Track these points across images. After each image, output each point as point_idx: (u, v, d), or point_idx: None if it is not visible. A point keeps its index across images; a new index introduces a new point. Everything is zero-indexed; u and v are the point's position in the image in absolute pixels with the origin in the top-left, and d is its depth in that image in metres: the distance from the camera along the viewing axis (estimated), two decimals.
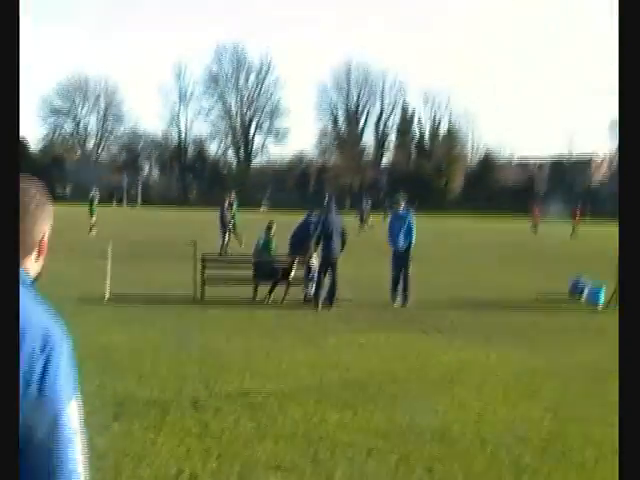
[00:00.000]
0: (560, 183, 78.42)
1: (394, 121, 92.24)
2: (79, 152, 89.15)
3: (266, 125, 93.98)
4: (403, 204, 13.64)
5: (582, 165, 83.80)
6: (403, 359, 8.76)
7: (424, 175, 79.25)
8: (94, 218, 30.62)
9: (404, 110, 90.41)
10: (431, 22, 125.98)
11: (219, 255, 19.25)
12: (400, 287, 13.03)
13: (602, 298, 13.43)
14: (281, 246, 14.14)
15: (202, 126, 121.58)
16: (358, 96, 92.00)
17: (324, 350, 9.13)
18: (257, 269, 13.19)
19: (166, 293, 13.39)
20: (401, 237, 13.14)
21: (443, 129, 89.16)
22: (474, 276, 17.97)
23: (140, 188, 77.65)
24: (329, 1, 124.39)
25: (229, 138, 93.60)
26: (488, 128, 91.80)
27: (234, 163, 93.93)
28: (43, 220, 1.68)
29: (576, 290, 14.99)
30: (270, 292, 13.04)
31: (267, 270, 13.12)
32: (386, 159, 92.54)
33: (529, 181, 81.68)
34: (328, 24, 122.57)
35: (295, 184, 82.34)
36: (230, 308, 12.21)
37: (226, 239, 21.49)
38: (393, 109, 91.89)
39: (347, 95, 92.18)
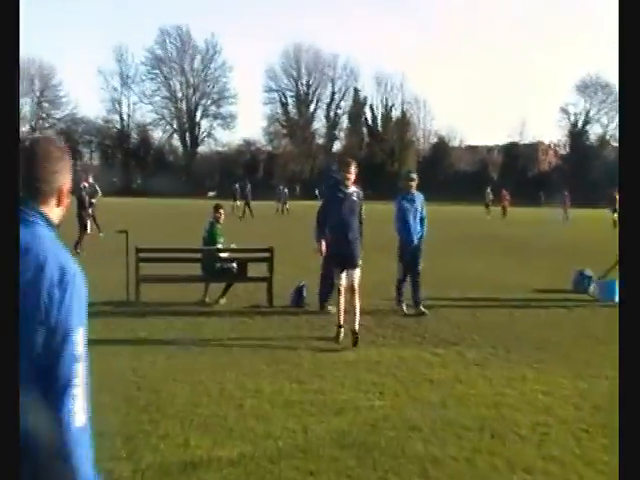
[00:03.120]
0: (513, 168, 77.33)
1: (345, 106, 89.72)
2: None
3: (213, 110, 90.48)
4: (416, 182, 10.51)
5: (532, 149, 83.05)
6: (414, 391, 6.29)
7: (377, 160, 77.02)
8: None
9: (356, 94, 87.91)
10: (387, 6, 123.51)
11: (75, 248, 16.49)
12: (409, 288, 10.31)
13: (617, 291, 11.28)
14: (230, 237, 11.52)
15: (145, 111, 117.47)
16: (308, 80, 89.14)
17: (304, 379, 6.59)
18: (205, 265, 10.54)
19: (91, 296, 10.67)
20: (416, 226, 10.33)
21: (395, 114, 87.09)
22: (460, 272, 15.44)
23: None
24: None
25: (174, 123, 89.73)
26: (439, 114, 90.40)
27: (180, 149, 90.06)
28: (62, 169, 1.96)
29: (581, 284, 12.90)
30: (223, 294, 10.47)
31: (217, 266, 10.51)
32: (338, 144, 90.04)
33: (482, 166, 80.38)
34: (277, 5, 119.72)
35: (243, 171, 79.06)
36: (172, 316, 9.57)
37: (88, 228, 18.19)
38: (344, 94, 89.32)
39: (297, 79, 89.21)
